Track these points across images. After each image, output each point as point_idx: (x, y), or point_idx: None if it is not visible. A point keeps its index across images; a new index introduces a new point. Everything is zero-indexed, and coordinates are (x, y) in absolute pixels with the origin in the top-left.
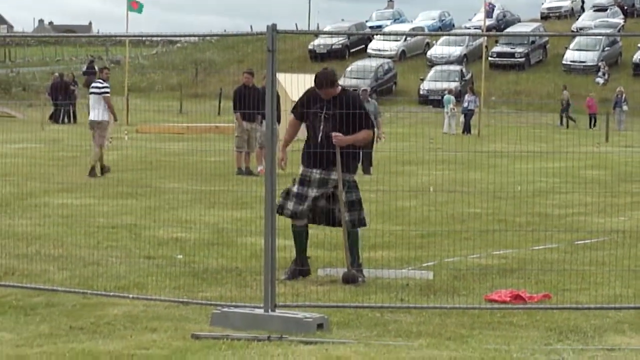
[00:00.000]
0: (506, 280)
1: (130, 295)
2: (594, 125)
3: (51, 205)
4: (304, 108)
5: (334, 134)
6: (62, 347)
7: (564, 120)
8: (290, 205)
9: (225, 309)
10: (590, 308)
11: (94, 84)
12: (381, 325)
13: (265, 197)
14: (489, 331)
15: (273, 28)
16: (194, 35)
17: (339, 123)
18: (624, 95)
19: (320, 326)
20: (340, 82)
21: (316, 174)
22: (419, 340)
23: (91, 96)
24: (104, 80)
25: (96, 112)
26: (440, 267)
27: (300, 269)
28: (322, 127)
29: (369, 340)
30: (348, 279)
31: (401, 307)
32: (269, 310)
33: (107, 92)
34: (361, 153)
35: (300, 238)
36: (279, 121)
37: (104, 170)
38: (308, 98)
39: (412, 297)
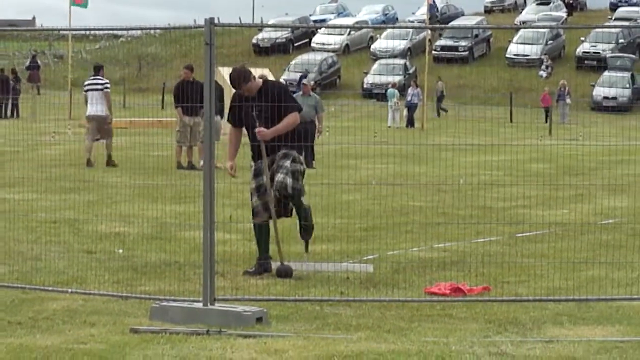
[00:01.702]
0: (446, 273)
1: (70, 290)
2: (548, 119)
3: None
4: (237, 111)
5: (257, 129)
6: None
7: (439, 111)
8: (255, 201)
9: (164, 303)
10: (529, 300)
11: (95, 80)
12: (321, 319)
13: (203, 191)
14: (428, 324)
15: (211, 21)
16: (134, 29)
17: (271, 115)
18: (567, 89)
19: (259, 320)
20: (284, 76)
21: (262, 164)
22: (358, 333)
23: (92, 93)
24: (102, 77)
25: (97, 107)
26: (380, 261)
27: (265, 262)
28: (256, 122)
29: (308, 333)
30: (281, 273)
31: (341, 301)
32: (208, 304)
33: (109, 88)
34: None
35: (262, 233)
36: (222, 114)
37: (89, 163)
38: (237, 101)
39: (352, 290)
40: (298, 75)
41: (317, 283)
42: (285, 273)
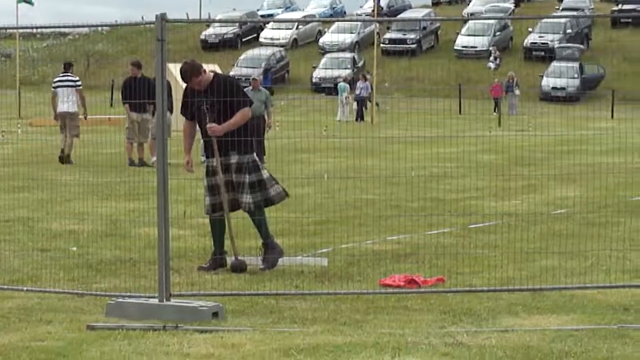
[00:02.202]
0: (400, 265)
1: (25, 288)
2: (497, 109)
3: None
4: (188, 106)
5: (208, 125)
6: None
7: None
8: (207, 200)
9: (120, 300)
10: (484, 290)
11: (66, 77)
12: (276, 313)
13: (157, 187)
14: (384, 316)
15: (162, 17)
16: (84, 26)
17: (223, 110)
18: (515, 80)
19: (215, 314)
20: (232, 72)
21: (214, 162)
22: (314, 326)
23: (63, 89)
24: (72, 74)
25: (68, 104)
26: (335, 254)
27: (220, 257)
28: (208, 117)
29: (265, 327)
30: (236, 268)
31: (296, 294)
32: (164, 300)
33: (80, 86)
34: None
35: (215, 228)
36: (171, 111)
37: (69, 159)
38: (189, 95)
39: (306, 283)
40: (246, 70)
41: (272, 277)
42: (239, 268)
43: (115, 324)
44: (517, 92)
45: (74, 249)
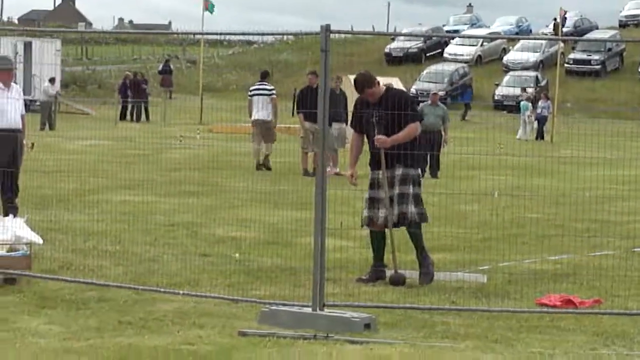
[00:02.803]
0: (559, 285)
1: (181, 292)
2: None
3: (112, 202)
4: (358, 117)
5: (376, 137)
6: (108, 341)
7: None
8: (365, 212)
9: (274, 307)
10: (639, 314)
11: (262, 86)
12: (429, 327)
13: (315, 197)
14: (536, 335)
15: (327, 28)
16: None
17: (391, 123)
18: None
19: (367, 326)
20: (415, 86)
21: (380, 175)
22: (465, 342)
23: (258, 97)
24: (268, 83)
25: (263, 112)
26: (494, 271)
27: (380, 270)
28: (375, 130)
29: (415, 341)
30: (395, 281)
31: (451, 309)
32: (317, 309)
33: (275, 95)
34: (428, 156)
35: (375, 241)
36: (347, 122)
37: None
38: (360, 107)
39: (463, 299)
40: (430, 85)
41: (428, 291)
42: (399, 281)
43: (266, 331)
44: None
45: (236, 255)
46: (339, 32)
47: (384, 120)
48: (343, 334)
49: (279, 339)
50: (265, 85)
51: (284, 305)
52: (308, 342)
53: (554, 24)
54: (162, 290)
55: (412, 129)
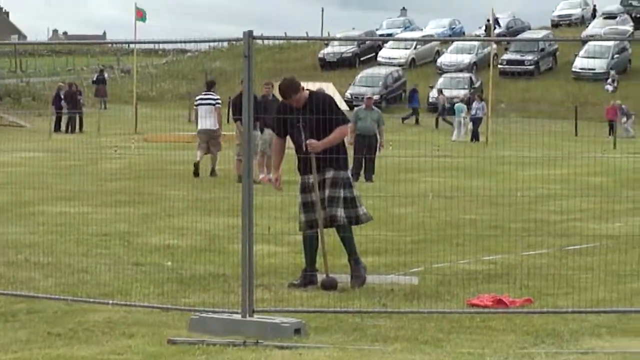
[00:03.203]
0: (491, 286)
1: (110, 302)
2: (612, 132)
3: (47, 214)
4: (282, 123)
5: (307, 142)
6: (37, 352)
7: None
8: (302, 217)
9: (204, 315)
10: (568, 312)
11: (207, 96)
12: (360, 330)
13: (242, 205)
14: (467, 335)
15: (249, 34)
16: (176, 42)
17: (316, 127)
18: (624, 107)
19: (297, 331)
20: (350, 90)
21: (311, 179)
22: (395, 344)
23: (203, 107)
24: (214, 93)
25: (208, 121)
26: (427, 273)
27: (311, 274)
28: (302, 135)
29: (345, 344)
30: (327, 286)
31: (381, 312)
32: (247, 316)
33: (220, 104)
34: (364, 159)
35: (308, 246)
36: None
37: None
38: (284, 112)
39: (394, 302)
40: (363, 89)
41: (360, 295)
42: (329, 285)
43: (196, 339)
44: (623, 119)
45: (169, 263)
46: (262, 37)
47: (308, 124)
48: (273, 339)
49: (209, 347)
50: (211, 95)
51: (214, 312)
52: (238, 349)
53: (486, 25)
54: (91, 300)
55: (343, 132)
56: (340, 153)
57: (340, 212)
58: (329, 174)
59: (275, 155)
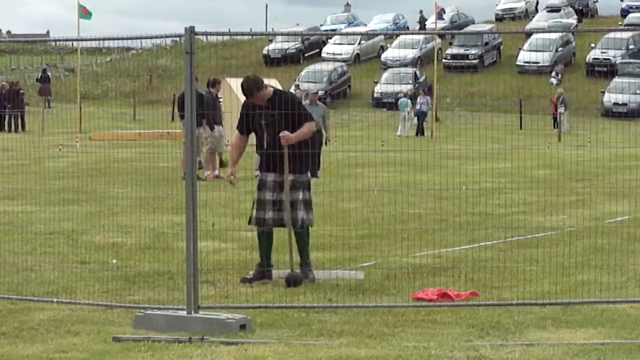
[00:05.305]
0: (437, 279)
1: (55, 300)
2: (556, 125)
3: None
4: (245, 120)
5: (281, 133)
6: None
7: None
8: (253, 212)
9: (149, 312)
10: (513, 304)
11: None
12: (305, 325)
13: (186, 201)
14: (412, 329)
15: (191, 30)
16: (125, 39)
17: (278, 124)
18: (561, 97)
19: (243, 327)
20: (294, 87)
21: (270, 177)
22: (340, 339)
23: None
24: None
25: None
26: (374, 268)
27: (266, 270)
28: (265, 132)
29: (290, 340)
30: (291, 281)
31: (327, 307)
32: (192, 312)
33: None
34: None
35: (263, 241)
36: (221, 124)
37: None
38: (247, 109)
39: (340, 297)
40: (307, 85)
41: (305, 290)
42: (294, 281)
43: (141, 336)
44: (561, 109)
45: (114, 261)
46: (204, 33)
47: (272, 122)
48: (218, 335)
49: (154, 343)
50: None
51: (159, 309)
52: (183, 345)
53: (420, 17)
54: (36, 299)
55: (311, 126)
56: (305, 157)
57: (301, 215)
58: (290, 177)
59: (234, 150)
